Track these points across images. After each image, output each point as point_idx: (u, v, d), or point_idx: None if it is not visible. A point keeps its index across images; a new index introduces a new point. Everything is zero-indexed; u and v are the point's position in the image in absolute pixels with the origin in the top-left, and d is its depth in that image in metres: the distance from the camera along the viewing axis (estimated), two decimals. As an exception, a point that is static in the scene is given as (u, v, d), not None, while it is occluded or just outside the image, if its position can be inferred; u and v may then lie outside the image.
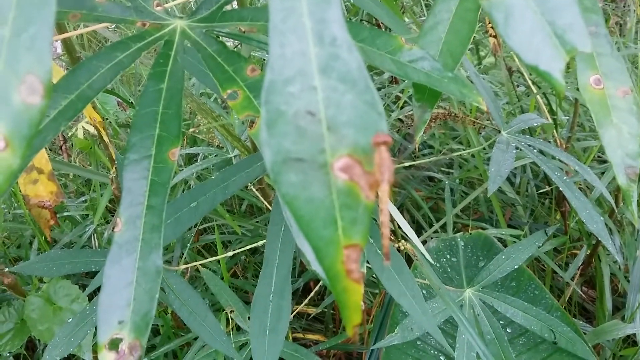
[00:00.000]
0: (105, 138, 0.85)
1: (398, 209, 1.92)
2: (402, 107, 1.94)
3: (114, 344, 0.44)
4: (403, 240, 0.89)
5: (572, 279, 1.54)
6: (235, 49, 0.55)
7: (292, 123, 0.29)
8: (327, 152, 0.29)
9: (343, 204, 0.29)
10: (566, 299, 1.54)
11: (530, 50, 0.31)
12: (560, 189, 1.08)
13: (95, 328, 0.50)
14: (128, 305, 0.45)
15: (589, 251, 1.55)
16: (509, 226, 1.79)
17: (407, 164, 1.13)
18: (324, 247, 0.29)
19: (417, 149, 1.93)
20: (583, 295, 1.65)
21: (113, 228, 0.49)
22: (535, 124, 1.24)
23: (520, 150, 1.16)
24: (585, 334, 1.24)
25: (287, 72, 0.29)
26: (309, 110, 0.29)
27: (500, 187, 1.80)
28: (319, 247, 0.29)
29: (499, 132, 1.18)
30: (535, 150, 1.14)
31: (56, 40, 1.20)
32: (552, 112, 1.57)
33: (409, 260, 1.27)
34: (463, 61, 1.34)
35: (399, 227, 0.88)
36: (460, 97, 0.51)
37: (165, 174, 0.47)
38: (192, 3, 2.06)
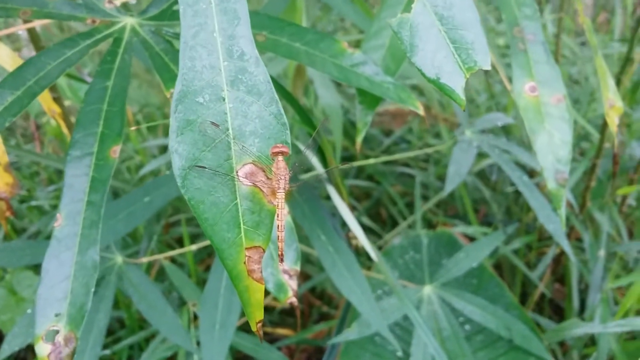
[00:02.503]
0: (65, 130, 0.85)
1: (375, 203, 1.94)
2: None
3: (50, 336, 0.45)
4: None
5: (543, 276, 1.56)
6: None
7: (200, 131, 0.30)
8: (233, 160, 0.31)
9: (247, 209, 0.31)
10: (534, 298, 1.56)
11: (433, 67, 0.32)
12: (519, 188, 1.11)
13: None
14: (65, 298, 0.46)
15: (558, 249, 1.57)
16: (483, 223, 1.81)
17: (383, 159, 1.14)
18: (227, 248, 0.31)
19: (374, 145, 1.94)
20: (551, 293, 1.68)
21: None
22: (499, 124, 1.26)
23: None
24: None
25: (197, 84, 0.30)
26: (215, 120, 0.30)
27: (475, 184, 1.83)
28: (222, 249, 0.31)
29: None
30: (497, 150, 1.16)
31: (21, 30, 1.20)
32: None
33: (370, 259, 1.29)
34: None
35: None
36: (399, 101, 0.52)
37: (106, 171, 0.49)
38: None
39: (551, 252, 1.59)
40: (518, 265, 1.56)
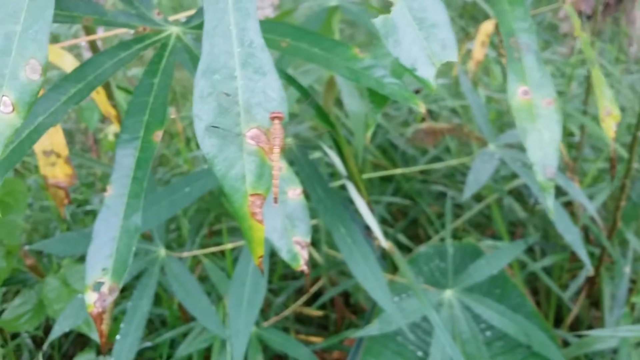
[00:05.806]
0: (118, 128, 0.96)
1: (412, 223, 2.00)
2: (421, 120, 2.01)
3: (97, 286, 0.54)
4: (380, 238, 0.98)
5: (578, 297, 1.57)
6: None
7: (216, 101, 0.39)
8: (242, 125, 0.39)
9: (251, 163, 0.39)
10: (569, 320, 1.57)
11: (409, 59, 0.40)
12: (539, 200, 1.15)
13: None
14: (111, 256, 0.55)
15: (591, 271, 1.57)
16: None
17: (411, 169, 1.21)
18: (235, 194, 0.39)
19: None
20: (589, 320, 1.68)
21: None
22: (524, 140, 1.31)
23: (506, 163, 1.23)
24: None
25: (215, 65, 0.39)
26: (228, 92, 0.39)
27: (510, 206, 1.86)
28: (231, 195, 0.39)
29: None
30: (519, 163, 1.21)
31: (84, 42, 1.32)
32: (565, 134, 1.62)
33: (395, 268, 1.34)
34: (459, 76, 1.42)
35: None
36: (403, 100, 0.60)
37: (149, 152, 0.58)
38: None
39: (584, 273, 1.60)
40: (549, 285, 1.58)
